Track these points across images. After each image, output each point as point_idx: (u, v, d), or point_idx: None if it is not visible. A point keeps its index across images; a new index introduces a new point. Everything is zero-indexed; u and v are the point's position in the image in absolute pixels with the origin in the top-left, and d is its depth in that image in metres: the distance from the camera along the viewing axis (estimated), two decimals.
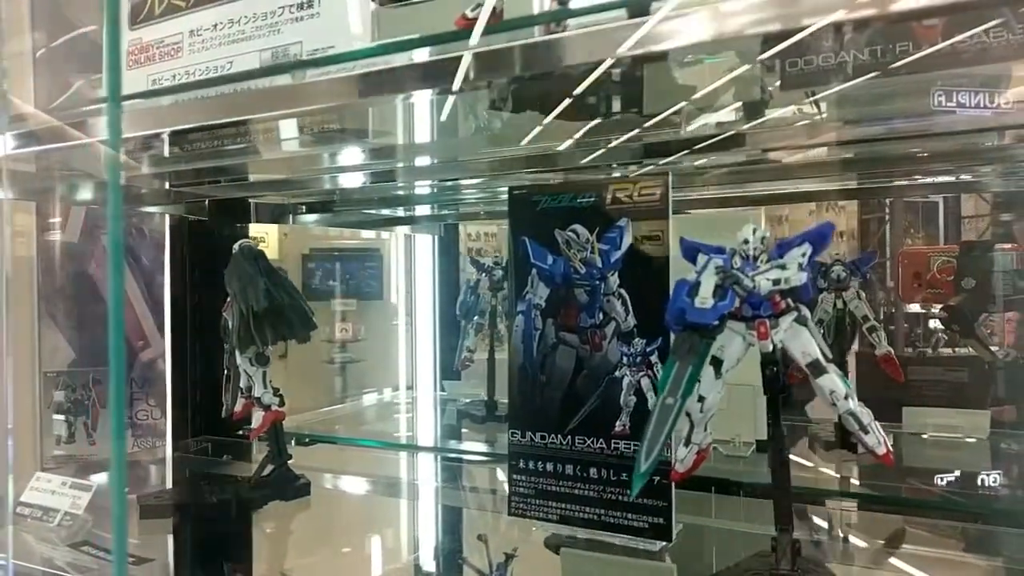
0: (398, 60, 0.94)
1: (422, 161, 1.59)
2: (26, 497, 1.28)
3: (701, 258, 0.87)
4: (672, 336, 1.03)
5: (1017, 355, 1.85)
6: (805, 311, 0.86)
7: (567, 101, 1.09)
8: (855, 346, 1.59)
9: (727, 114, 1.23)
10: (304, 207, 2.04)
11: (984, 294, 1.60)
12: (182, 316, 1.84)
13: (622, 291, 1.09)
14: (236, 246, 1.31)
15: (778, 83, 1.08)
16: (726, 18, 0.73)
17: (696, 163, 1.45)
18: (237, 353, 1.33)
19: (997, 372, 1.75)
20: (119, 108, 0.57)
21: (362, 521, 1.46)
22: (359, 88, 0.98)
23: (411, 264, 2.42)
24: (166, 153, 1.41)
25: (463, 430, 1.92)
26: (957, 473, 1.44)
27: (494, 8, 1.02)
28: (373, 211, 2.18)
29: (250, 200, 1.90)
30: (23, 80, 1.89)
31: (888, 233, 3.68)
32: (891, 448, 0.88)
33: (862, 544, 1.21)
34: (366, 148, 1.41)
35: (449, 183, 1.80)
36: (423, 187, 1.95)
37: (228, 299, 1.34)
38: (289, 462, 1.40)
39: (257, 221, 1.94)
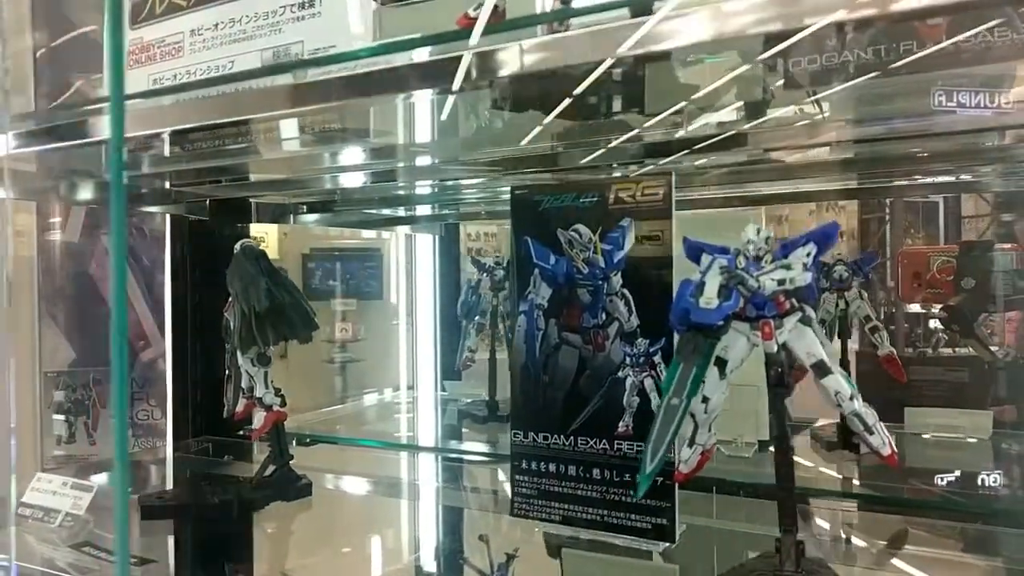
0: (400, 60, 0.93)
1: (423, 161, 1.59)
2: (27, 498, 1.28)
3: (705, 258, 0.86)
4: (676, 336, 1.04)
5: (1017, 355, 1.85)
6: (810, 311, 0.86)
7: (567, 101, 1.09)
8: (854, 346, 1.58)
9: (728, 114, 1.22)
10: (305, 207, 2.03)
11: (984, 294, 1.60)
12: (183, 316, 1.84)
13: (625, 291, 1.09)
14: (238, 246, 1.31)
15: (779, 82, 1.08)
16: (727, 18, 0.72)
17: (696, 163, 1.44)
18: (239, 353, 1.33)
19: (998, 372, 1.75)
20: (122, 107, 0.57)
21: (364, 522, 1.46)
22: (361, 88, 0.98)
23: (412, 264, 2.42)
24: (166, 153, 1.41)
25: (465, 430, 1.91)
26: (962, 474, 1.44)
27: (496, 7, 1.02)
28: (374, 211, 2.18)
29: (251, 200, 1.90)
30: (24, 79, 1.89)
31: (888, 233, 3.68)
32: (896, 449, 0.88)
33: (867, 545, 1.21)
34: (367, 148, 1.41)
35: (450, 183, 1.80)
36: (424, 187, 1.94)
37: (229, 299, 1.34)
38: (290, 463, 1.39)
39: (258, 221, 1.94)
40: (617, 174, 1.48)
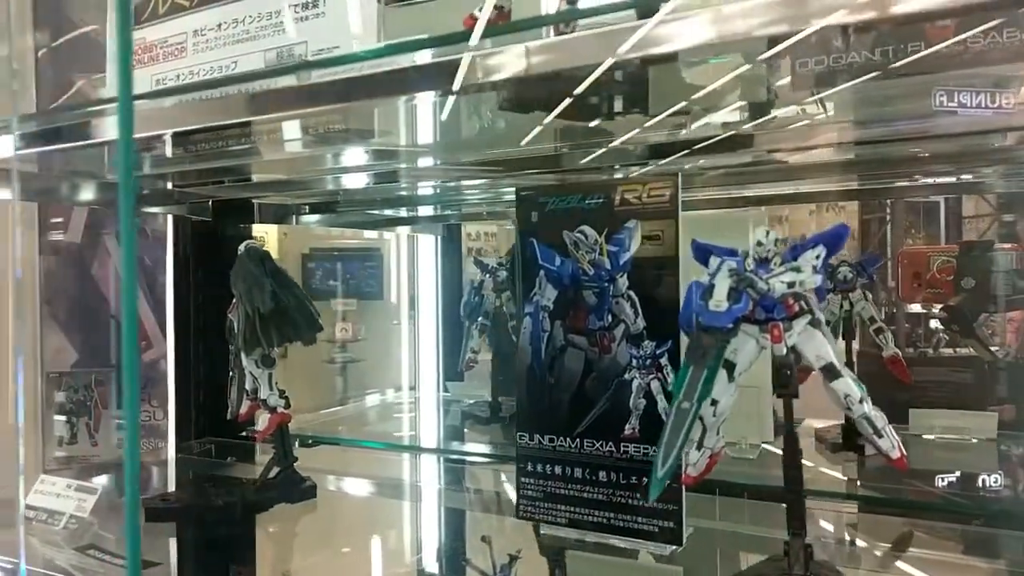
0: (406, 61, 0.93)
1: (427, 162, 1.59)
2: (31, 500, 1.27)
3: (713, 260, 0.86)
4: (683, 339, 1.04)
5: (1019, 355, 1.85)
6: (819, 314, 0.85)
7: (567, 102, 1.08)
8: (856, 347, 1.58)
9: (732, 115, 1.22)
10: (307, 207, 2.03)
11: (984, 294, 1.59)
12: (185, 317, 1.83)
13: (631, 293, 1.08)
14: (242, 247, 1.31)
15: (782, 83, 1.08)
16: (729, 21, 0.72)
17: (699, 164, 1.44)
18: (243, 355, 1.32)
19: (1000, 372, 1.75)
20: (131, 107, 0.56)
21: (368, 523, 1.45)
22: (366, 89, 0.97)
23: (414, 264, 2.41)
24: (168, 153, 1.40)
25: (468, 431, 1.91)
26: (969, 476, 1.43)
27: (502, 8, 1.02)
28: (376, 211, 2.18)
29: (254, 200, 1.90)
30: (26, 79, 1.89)
31: (889, 233, 3.68)
32: (905, 452, 0.88)
33: (874, 548, 1.20)
34: (371, 149, 1.40)
35: (451, 184, 1.79)
36: (427, 188, 1.94)
37: (234, 300, 1.33)
38: (294, 464, 1.39)
39: (261, 221, 1.94)
40: (619, 175, 1.48)
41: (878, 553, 1.18)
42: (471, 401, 2.00)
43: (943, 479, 1.39)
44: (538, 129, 1.23)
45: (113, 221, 2.20)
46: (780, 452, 1.21)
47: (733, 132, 1.26)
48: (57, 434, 2.16)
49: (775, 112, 1.19)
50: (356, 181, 1.78)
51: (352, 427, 2.25)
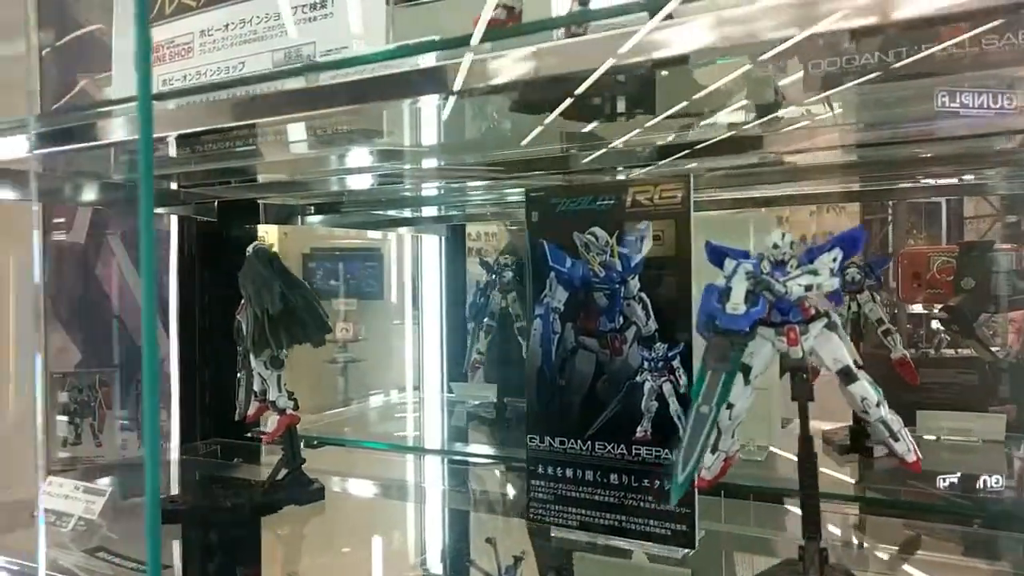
0: (416, 63, 0.92)
1: (434, 163, 1.58)
2: (40, 501, 1.27)
3: (729, 263, 0.86)
4: (693, 341, 1.03)
5: (1020, 356, 1.84)
6: (835, 317, 0.85)
7: (568, 102, 1.08)
8: (863, 347, 1.58)
9: (739, 115, 1.22)
10: (312, 208, 2.02)
11: (984, 294, 1.59)
12: (190, 317, 1.83)
13: (643, 295, 1.08)
14: (250, 248, 1.30)
15: (789, 84, 1.08)
16: (732, 24, 0.72)
17: (703, 165, 1.44)
18: (251, 356, 1.32)
19: (1003, 373, 1.75)
20: (150, 107, 0.56)
21: (374, 525, 1.45)
22: (376, 90, 0.96)
23: (418, 264, 2.41)
24: (173, 154, 1.40)
25: (474, 433, 1.91)
26: (982, 478, 1.43)
27: (513, 8, 1.02)
28: (380, 212, 2.18)
29: (259, 201, 1.89)
30: (31, 79, 1.88)
31: (891, 234, 3.67)
32: (920, 456, 0.88)
33: (886, 550, 1.20)
34: (379, 149, 1.40)
35: (457, 184, 1.79)
36: (432, 188, 1.93)
37: (242, 302, 1.33)
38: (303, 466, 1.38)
39: (266, 222, 1.93)
40: (621, 176, 1.47)
41: (890, 556, 1.18)
42: (476, 402, 1.99)
43: (955, 481, 1.39)
44: (539, 130, 1.23)
45: (117, 221, 2.19)
46: (786, 454, 1.22)
47: (738, 133, 1.26)
48: (60, 435, 2.15)
49: (781, 113, 1.19)
50: (362, 182, 1.78)
51: (357, 428, 2.24)
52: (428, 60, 0.92)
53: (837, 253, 0.83)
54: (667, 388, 1.05)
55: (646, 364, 1.07)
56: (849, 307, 1.49)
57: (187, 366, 1.82)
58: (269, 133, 1.31)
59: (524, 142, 1.30)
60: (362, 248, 3.41)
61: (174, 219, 1.91)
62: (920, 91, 1.05)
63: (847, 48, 0.94)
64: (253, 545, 1.28)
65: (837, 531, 1.21)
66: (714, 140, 1.28)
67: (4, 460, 1.72)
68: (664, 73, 1.00)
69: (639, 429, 1.07)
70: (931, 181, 1.72)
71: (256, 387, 1.35)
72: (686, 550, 1.04)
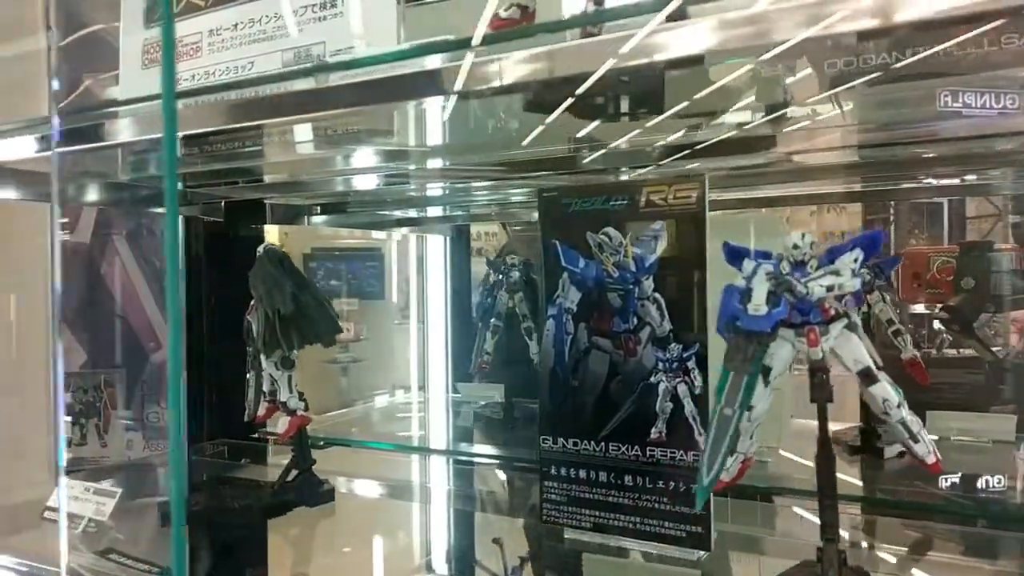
0: (429, 63, 0.92)
1: (444, 163, 1.58)
2: (52, 502, 1.27)
3: (748, 263, 0.85)
4: (709, 341, 1.03)
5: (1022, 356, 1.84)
6: (855, 317, 0.85)
7: (569, 102, 1.08)
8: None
9: (748, 115, 1.22)
10: (319, 208, 2.02)
11: (984, 294, 1.59)
12: (197, 318, 1.82)
13: (657, 295, 1.08)
14: (260, 249, 1.30)
15: (798, 84, 1.07)
16: (735, 26, 0.72)
17: (704, 165, 1.43)
18: (262, 357, 1.32)
19: (1006, 373, 1.75)
20: (174, 105, 0.56)
21: (389, 526, 1.44)
22: (387, 91, 0.96)
23: (423, 264, 2.41)
24: (178, 154, 1.39)
25: (482, 434, 1.90)
26: (993, 478, 1.42)
27: (527, 8, 1.01)
28: (386, 212, 2.17)
29: (265, 201, 1.89)
30: (38, 79, 1.87)
31: (893, 234, 3.67)
32: (940, 457, 0.87)
33: (901, 552, 1.19)
34: (388, 149, 1.40)
35: (467, 185, 1.78)
36: (441, 189, 1.93)
37: (252, 302, 1.32)
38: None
39: (273, 222, 1.93)
40: (624, 177, 1.47)
41: (906, 558, 1.17)
42: (482, 403, 1.99)
43: (970, 482, 1.38)
44: (540, 129, 1.22)
45: (122, 222, 2.19)
46: (793, 456, 1.21)
47: (744, 133, 1.26)
48: (65, 435, 2.15)
49: (791, 112, 1.19)
50: (369, 182, 1.77)
51: (363, 428, 2.24)
52: (438, 61, 0.91)
53: (858, 254, 0.83)
54: (682, 389, 1.05)
55: (660, 365, 1.07)
56: (859, 307, 1.49)
57: (194, 367, 1.82)
58: (278, 133, 1.31)
59: (525, 143, 1.29)
60: (363, 248, 3.41)
61: (182, 219, 1.91)
62: (930, 90, 1.05)
63: (860, 48, 0.94)
64: (266, 546, 1.28)
65: (849, 533, 1.21)
66: (717, 140, 1.27)
67: (13, 461, 1.72)
68: (677, 73, 1.00)
69: (653, 430, 1.07)
70: (933, 181, 1.72)
71: (266, 388, 1.34)
72: (702, 552, 1.04)
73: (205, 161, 1.42)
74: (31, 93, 1.92)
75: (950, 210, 3.60)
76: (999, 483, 1.39)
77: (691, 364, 1.05)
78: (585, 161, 1.40)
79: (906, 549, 1.20)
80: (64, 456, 1.44)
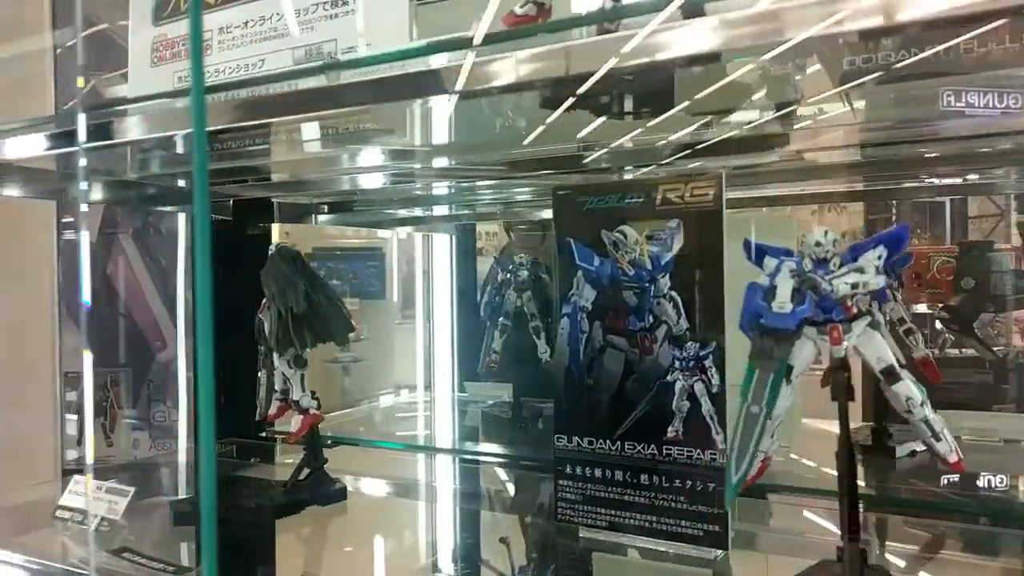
0: (442, 61, 0.92)
1: (451, 162, 1.58)
2: (64, 500, 1.26)
3: (770, 261, 0.85)
4: (727, 340, 1.03)
5: None
6: (878, 315, 0.85)
7: (569, 102, 1.07)
8: None
9: (754, 114, 1.22)
10: (326, 207, 2.02)
11: (984, 294, 1.59)
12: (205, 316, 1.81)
13: (673, 294, 1.07)
14: (273, 247, 1.30)
15: (809, 83, 1.07)
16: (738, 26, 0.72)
17: (706, 164, 1.43)
18: (274, 355, 1.31)
19: (1010, 373, 1.75)
20: (203, 100, 0.55)
21: (401, 525, 1.44)
22: (398, 89, 0.96)
23: (429, 263, 2.40)
24: (180, 150, 1.39)
25: (491, 432, 1.90)
26: (1010, 477, 1.42)
27: (543, 4, 1.01)
28: (392, 211, 2.17)
29: (272, 200, 1.88)
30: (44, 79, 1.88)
31: None
32: (962, 456, 0.87)
33: (918, 552, 1.19)
34: (398, 148, 1.39)
35: (478, 183, 1.78)
36: (450, 187, 1.93)
37: (264, 301, 1.32)
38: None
39: (280, 221, 1.92)
40: (628, 176, 1.47)
41: (921, 558, 1.17)
42: (490, 402, 1.99)
43: (988, 482, 1.38)
44: (541, 129, 1.22)
45: (128, 220, 2.18)
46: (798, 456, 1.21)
47: (751, 132, 1.25)
48: (69, 434, 2.14)
49: (801, 110, 1.19)
50: (376, 181, 1.77)
51: (370, 428, 2.24)
52: (449, 59, 0.91)
53: (881, 251, 0.83)
54: (699, 388, 1.05)
55: (677, 363, 1.07)
56: (870, 306, 1.48)
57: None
58: (287, 131, 1.31)
59: (526, 142, 1.29)
60: (364, 248, 3.41)
61: (182, 217, 1.91)
62: (942, 88, 1.05)
63: (873, 45, 0.94)
64: (282, 546, 1.27)
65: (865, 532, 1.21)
66: (724, 138, 1.27)
67: (21, 459, 1.71)
68: (691, 70, 0.99)
69: (670, 429, 1.06)
70: (935, 181, 1.72)
71: (277, 386, 1.34)
72: (719, 551, 1.04)
73: (214, 159, 1.42)
74: (32, 93, 1.92)
75: (952, 210, 3.60)
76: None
77: (708, 363, 1.04)
78: (587, 161, 1.40)
79: (922, 548, 1.20)
80: (89, 452, 1.43)
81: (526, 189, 1.78)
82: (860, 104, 1.16)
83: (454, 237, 2.37)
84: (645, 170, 1.42)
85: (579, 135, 1.26)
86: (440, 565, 1.22)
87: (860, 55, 0.95)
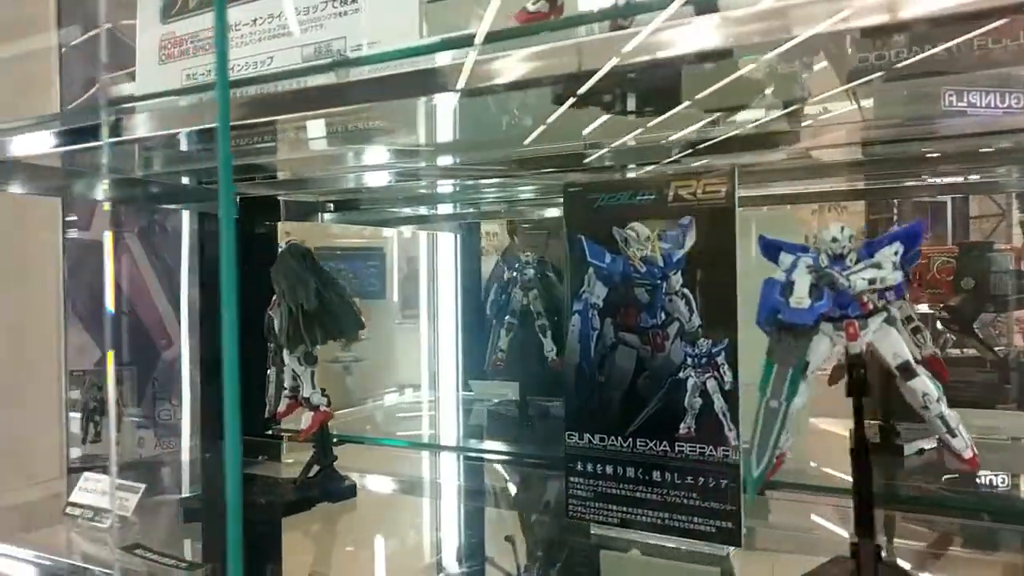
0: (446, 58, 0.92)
1: (458, 160, 1.57)
2: (75, 497, 1.26)
3: (786, 257, 0.85)
4: (739, 336, 1.03)
5: None
6: (894, 311, 0.85)
7: (568, 103, 1.07)
8: None
9: (760, 112, 1.22)
10: (332, 205, 2.01)
11: (984, 294, 1.60)
12: (211, 314, 1.82)
13: (685, 291, 1.07)
14: (283, 244, 1.30)
15: (815, 81, 1.07)
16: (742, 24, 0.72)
17: (709, 163, 1.43)
18: (285, 352, 1.31)
19: (1013, 372, 1.75)
20: (228, 94, 0.55)
21: (411, 522, 1.44)
22: (408, 86, 0.95)
23: (434, 262, 2.40)
24: (184, 148, 1.39)
25: (497, 430, 1.90)
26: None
27: (555, 0, 1.01)
28: (397, 209, 2.17)
29: (279, 197, 1.88)
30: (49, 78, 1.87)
31: None
32: (977, 452, 0.87)
33: (931, 550, 1.19)
34: (411, 145, 1.39)
35: (484, 181, 1.78)
36: (456, 185, 1.92)
37: (274, 298, 1.32)
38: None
39: (287, 219, 1.92)
40: (632, 175, 1.47)
41: (932, 555, 1.17)
42: (496, 400, 1.98)
43: (1000, 480, 1.38)
44: (541, 129, 1.22)
45: (133, 219, 2.18)
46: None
47: (755, 130, 1.26)
48: (74, 432, 2.14)
49: (808, 108, 1.19)
50: (382, 179, 1.77)
51: (376, 426, 2.24)
52: (455, 57, 0.91)
53: (898, 247, 0.83)
54: (711, 384, 1.05)
55: (689, 360, 1.07)
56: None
57: (209, 363, 1.81)
58: (295, 129, 1.31)
59: (527, 141, 1.29)
60: (364, 248, 3.41)
61: (186, 216, 1.91)
62: (951, 86, 1.05)
63: (881, 43, 0.94)
64: (291, 542, 1.27)
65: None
66: (726, 137, 1.27)
67: (23, 458, 1.71)
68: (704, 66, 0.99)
69: (682, 426, 1.06)
70: (937, 180, 1.72)
71: (287, 383, 1.34)
72: (731, 547, 1.04)
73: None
74: (36, 91, 1.92)
75: (954, 209, 3.60)
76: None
77: (721, 359, 1.04)
78: (590, 159, 1.40)
79: (931, 545, 1.20)
80: (114, 451, 1.43)
81: (530, 188, 1.78)
82: (867, 102, 1.16)
83: (458, 236, 2.37)
84: (648, 168, 1.42)
85: (584, 132, 1.26)
86: (450, 562, 1.22)
87: (870, 52, 0.96)
